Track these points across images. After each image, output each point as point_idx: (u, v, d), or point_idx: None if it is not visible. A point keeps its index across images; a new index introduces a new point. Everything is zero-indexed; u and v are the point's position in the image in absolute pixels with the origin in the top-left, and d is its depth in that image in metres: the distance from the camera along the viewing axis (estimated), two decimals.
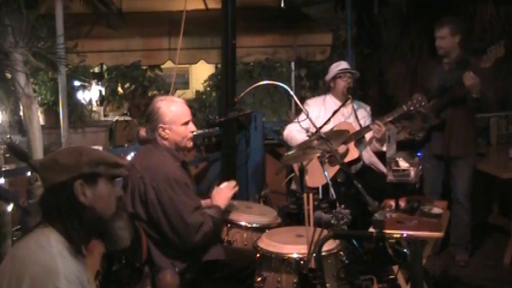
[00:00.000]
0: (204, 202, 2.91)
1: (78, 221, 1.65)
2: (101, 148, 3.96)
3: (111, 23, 4.95)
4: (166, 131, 2.64)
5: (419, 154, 2.92)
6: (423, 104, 3.72)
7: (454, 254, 4.08)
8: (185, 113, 2.68)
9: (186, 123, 2.68)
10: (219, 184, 3.03)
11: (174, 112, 2.64)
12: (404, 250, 2.78)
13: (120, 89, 6.01)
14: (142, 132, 2.73)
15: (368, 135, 3.96)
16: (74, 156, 1.67)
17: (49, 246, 1.60)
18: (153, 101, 2.68)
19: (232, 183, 2.95)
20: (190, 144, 2.74)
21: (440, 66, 3.95)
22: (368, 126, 3.89)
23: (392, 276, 2.92)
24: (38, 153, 3.94)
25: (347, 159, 3.77)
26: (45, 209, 1.67)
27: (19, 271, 1.55)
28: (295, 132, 3.92)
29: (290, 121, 4.52)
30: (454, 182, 4.00)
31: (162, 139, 2.66)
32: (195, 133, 2.76)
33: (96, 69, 6.30)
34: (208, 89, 5.98)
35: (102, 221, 1.70)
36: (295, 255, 2.48)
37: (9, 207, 3.10)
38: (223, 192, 2.89)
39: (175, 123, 2.64)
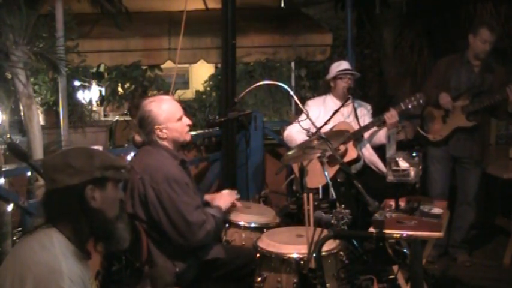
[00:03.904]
0: (208, 197, 2.94)
1: (86, 224, 1.67)
2: (101, 148, 3.95)
3: (118, 22, 4.95)
4: (164, 130, 2.65)
5: (415, 154, 2.92)
6: (421, 102, 3.71)
7: (454, 255, 4.08)
8: (177, 109, 2.70)
9: (180, 118, 2.69)
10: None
11: (166, 110, 2.65)
12: (404, 250, 2.78)
13: (120, 89, 6.00)
14: (138, 137, 2.73)
15: (367, 134, 3.97)
16: (86, 159, 1.67)
17: (52, 247, 1.60)
18: (141, 106, 2.68)
19: (234, 192, 3.03)
20: (188, 137, 2.77)
21: (467, 66, 3.89)
22: (367, 125, 3.89)
23: (392, 276, 2.92)
24: (38, 153, 3.94)
25: (345, 159, 3.77)
26: (50, 210, 1.67)
27: (22, 271, 1.55)
28: (295, 133, 3.92)
29: (291, 121, 4.52)
30: (465, 184, 4.01)
31: (160, 139, 2.66)
32: (193, 133, 2.77)
33: (101, 68, 6.30)
34: (208, 89, 5.98)
35: (108, 223, 1.72)
36: (295, 255, 2.47)
37: (9, 207, 3.09)
38: (225, 197, 2.93)
39: (171, 121, 2.65)
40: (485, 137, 4.03)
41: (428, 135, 3.99)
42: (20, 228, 3.24)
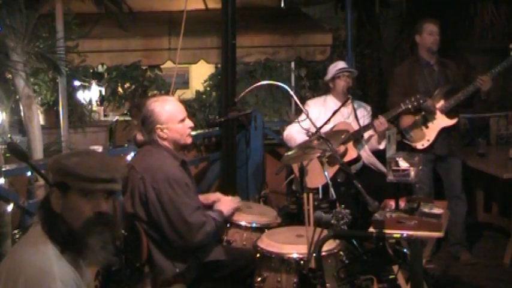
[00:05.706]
0: (202, 197, 2.93)
1: (52, 228, 1.63)
2: (100, 148, 3.96)
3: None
4: (165, 130, 2.65)
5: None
6: (421, 102, 3.73)
7: (456, 254, 4.08)
8: (180, 110, 2.70)
9: (183, 120, 2.69)
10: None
11: (169, 111, 2.65)
12: (405, 250, 2.78)
13: (120, 89, 6.00)
14: (139, 136, 2.74)
15: (366, 135, 3.97)
16: (51, 161, 1.69)
17: (46, 248, 1.60)
18: (145, 104, 2.68)
19: (237, 198, 3.02)
20: (189, 140, 2.75)
21: (427, 68, 3.98)
22: (367, 125, 3.89)
23: (393, 276, 2.92)
24: (38, 153, 3.94)
25: (346, 159, 3.77)
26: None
27: (15, 272, 1.55)
28: (295, 133, 3.92)
29: (290, 121, 4.52)
30: (449, 178, 4.06)
31: (161, 139, 2.67)
32: (193, 133, 2.76)
33: (100, 68, 6.30)
34: (208, 89, 5.98)
35: (74, 233, 1.62)
36: (295, 255, 2.48)
37: (9, 207, 3.09)
38: (228, 202, 2.93)
39: (172, 122, 2.65)
40: (458, 130, 4.14)
41: (415, 144, 3.99)
42: (20, 228, 3.24)
